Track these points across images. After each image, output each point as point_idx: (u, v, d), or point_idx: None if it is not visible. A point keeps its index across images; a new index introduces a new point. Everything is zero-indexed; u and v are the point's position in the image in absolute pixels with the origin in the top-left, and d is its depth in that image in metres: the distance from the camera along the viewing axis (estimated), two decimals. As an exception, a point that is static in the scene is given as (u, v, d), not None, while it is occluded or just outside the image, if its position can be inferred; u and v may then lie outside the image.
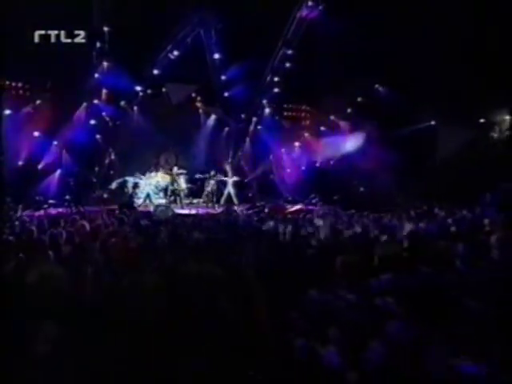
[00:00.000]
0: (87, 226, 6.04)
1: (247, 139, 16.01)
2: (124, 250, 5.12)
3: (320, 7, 11.02)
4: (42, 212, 10.20)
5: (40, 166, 13.56)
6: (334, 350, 2.04)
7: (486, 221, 7.55)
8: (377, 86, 15.15)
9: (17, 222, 7.59)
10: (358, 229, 6.52)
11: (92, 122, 13.78)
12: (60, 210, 11.23)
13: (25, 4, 10.73)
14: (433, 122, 15.69)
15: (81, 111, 13.98)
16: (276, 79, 13.53)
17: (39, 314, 2.03)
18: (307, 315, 2.35)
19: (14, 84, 13.24)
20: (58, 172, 13.79)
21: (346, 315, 2.27)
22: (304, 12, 11.35)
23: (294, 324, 2.35)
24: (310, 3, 11.07)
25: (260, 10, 10.64)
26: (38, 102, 13.31)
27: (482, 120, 16.04)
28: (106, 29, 11.32)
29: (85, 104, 13.92)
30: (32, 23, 10.99)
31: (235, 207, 12.41)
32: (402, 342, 1.97)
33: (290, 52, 12.53)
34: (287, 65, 12.88)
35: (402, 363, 1.88)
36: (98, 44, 11.72)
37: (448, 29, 11.53)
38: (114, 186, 14.13)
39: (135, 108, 14.70)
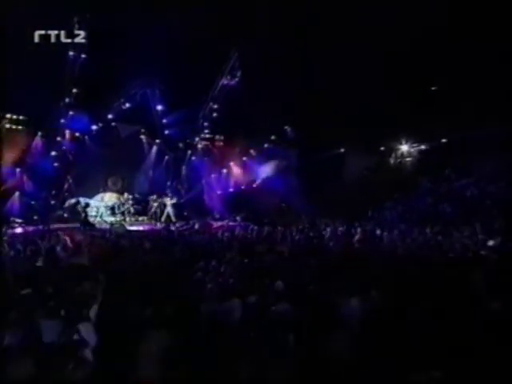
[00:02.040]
0: (68, 240, 9.30)
1: (183, 167, 19.37)
2: (101, 253, 8.61)
3: (236, 78, 15.17)
4: (20, 230, 12.55)
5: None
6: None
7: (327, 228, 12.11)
8: (286, 127, 19.46)
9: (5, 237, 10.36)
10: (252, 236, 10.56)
11: (53, 153, 16.32)
12: (31, 228, 13.51)
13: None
14: (342, 150, 19.50)
15: (37, 141, 16.39)
16: (206, 124, 17.49)
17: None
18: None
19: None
20: (17, 194, 15.70)
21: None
22: (225, 80, 15.51)
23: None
24: (228, 76, 15.25)
25: (194, 77, 14.23)
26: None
27: (382, 148, 20.08)
28: (74, 90, 14.36)
29: (40, 133, 16.26)
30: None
31: (172, 224, 15.48)
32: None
33: (216, 106, 16.58)
34: (214, 114, 16.86)
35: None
36: (67, 100, 14.62)
37: (348, 74, 13.83)
38: (66, 205, 16.37)
39: (86, 138, 17.24)
